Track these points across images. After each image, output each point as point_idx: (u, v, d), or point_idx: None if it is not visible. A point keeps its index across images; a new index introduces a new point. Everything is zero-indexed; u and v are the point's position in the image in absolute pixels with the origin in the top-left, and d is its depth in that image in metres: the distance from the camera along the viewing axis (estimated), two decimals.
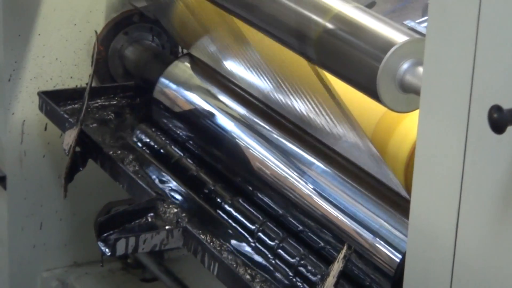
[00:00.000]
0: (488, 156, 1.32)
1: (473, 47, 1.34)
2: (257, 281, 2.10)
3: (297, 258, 2.17)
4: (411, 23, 2.03)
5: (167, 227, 2.32)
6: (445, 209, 1.46)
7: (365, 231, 2.03)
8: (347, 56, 1.88)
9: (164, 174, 2.57)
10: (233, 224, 2.36)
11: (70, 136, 2.71)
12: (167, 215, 2.38)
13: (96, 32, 2.86)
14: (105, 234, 2.32)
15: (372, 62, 1.76)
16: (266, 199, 2.37)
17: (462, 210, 1.42)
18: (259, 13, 2.17)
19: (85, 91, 2.71)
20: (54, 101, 2.82)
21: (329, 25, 1.92)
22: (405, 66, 1.71)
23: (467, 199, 1.40)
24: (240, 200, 2.41)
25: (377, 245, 1.97)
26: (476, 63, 1.33)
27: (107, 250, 2.28)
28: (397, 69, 1.71)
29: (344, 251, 1.89)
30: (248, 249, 2.25)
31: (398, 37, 1.75)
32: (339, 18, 1.93)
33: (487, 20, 1.37)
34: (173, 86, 2.72)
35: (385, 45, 1.75)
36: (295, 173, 2.27)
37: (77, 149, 2.69)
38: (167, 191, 2.50)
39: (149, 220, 2.36)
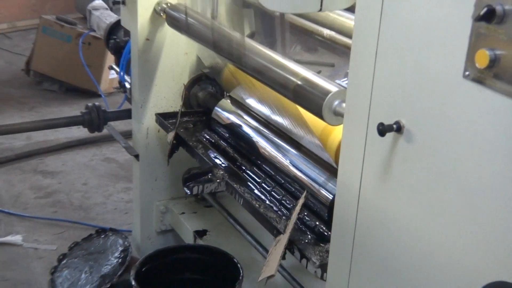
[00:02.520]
0: (377, 146, 1.56)
1: (369, 98, 1.59)
2: (262, 207, 2.40)
3: (281, 196, 2.48)
4: (338, 81, 2.17)
5: (217, 180, 2.62)
6: (354, 173, 1.69)
7: (315, 183, 2.32)
8: (308, 98, 2.10)
9: (216, 154, 2.82)
10: (250, 179, 2.65)
11: (171, 135, 2.94)
12: (218, 174, 2.64)
13: (184, 84, 3.12)
14: (187, 183, 2.65)
15: (320, 101, 1.99)
16: (266, 168, 2.65)
17: (363, 174, 1.67)
18: (264, 76, 2.36)
19: (178, 113, 3.02)
20: (163, 117, 3.08)
21: (299, 82, 2.12)
22: (336, 102, 1.95)
23: (366, 168, 1.65)
24: (254, 168, 2.69)
25: (322, 190, 2.26)
26: (371, 103, 1.59)
27: (188, 191, 2.64)
28: (332, 104, 1.96)
29: (304, 194, 2.28)
30: (257, 192, 2.54)
31: (333, 88, 1.99)
32: (303, 78, 2.11)
33: (379, 78, 1.62)
34: (221, 111, 2.93)
35: (326, 92, 1.98)
36: (280, 154, 2.56)
37: (174, 141, 2.93)
38: (218, 163, 2.75)
39: (209, 177, 2.64)
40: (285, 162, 2.52)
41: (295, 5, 1.78)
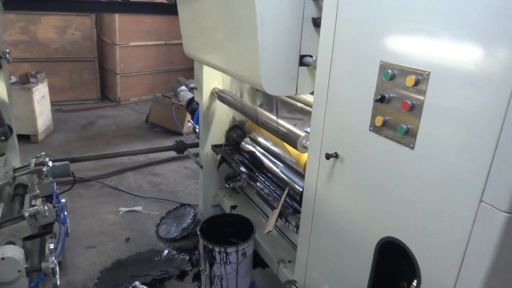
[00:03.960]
0: (325, 164, 1.51)
1: (321, 139, 1.72)
2: (265, 194, 2.34)
3: (275, 189, 2.39)
4: (305, 129, 1.98)
5: (242, 180, 2.59)
6: (313, 178, 1.66)
7: (293, 182, 2.22)
8: (289, 138, 1.99)
9: (241, 167, 2.70)
10: (259, 180, 2.54)
11: (218, 156, 2.88)
12: (242, 177, 2.59)
13: (225, 130, 3.01)
14: (226, 181, 2.65)
15: (295, 140, 1.91)
16: (268, 174, 2.54)
17: (318, 178, 1.62)
18: (267, 127, 2.25)
19: (223, 145, 2.96)
20: (215, 147, 2.99)
21: (285, 130, 2.03)
22: (304, 141, 1.87)
23: (319, 176, 1.61)
24: (261, 174, 2.58)
25: (296, 186, 2.16)
26: (322, 141, 1.55)
27: (227, 185, 2.64)
28: (302, 141, 1.88)
29: (287, 188, 2.23)
30: (262, 186, 2.45)
31: (302, 133, 1.91)
32: (287, 128, 2.02)
33: (326, 129, 1.61)
34: (245, 144, 2.83)
35: (298, 135, 1.91)
36: (275, 167, 2.45)
37: (220, 159, 2.88)
38: (242, 171, 2.64)
39: (238, 178, 2.61)
40: (277, 170, 2.47)
41: (282, 91, 1.70)
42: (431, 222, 1.12)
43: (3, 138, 2.39)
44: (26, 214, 1.71)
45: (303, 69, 1.68)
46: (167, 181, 4.36)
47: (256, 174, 2.66)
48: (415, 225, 1.17)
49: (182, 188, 4.22)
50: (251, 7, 1.50)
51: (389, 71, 1.19)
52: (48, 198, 2.11)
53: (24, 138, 5.18)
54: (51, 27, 6.47)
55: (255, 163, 2.75)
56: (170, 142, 4.87)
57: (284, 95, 2.15)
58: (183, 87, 4.10)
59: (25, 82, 5.11)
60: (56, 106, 6.65)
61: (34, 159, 2.33)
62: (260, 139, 2.79)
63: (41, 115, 5.33)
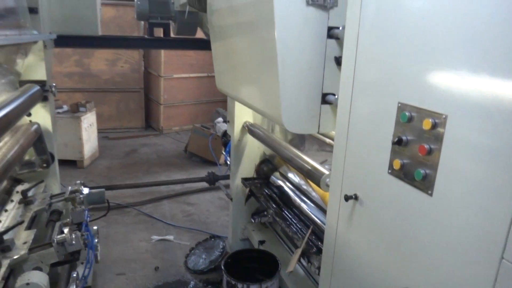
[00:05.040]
0: (345, 205, 1.39)
1: (341, 180, 1.63)
2: (290, 232, 2.29)
3: (300, 226, 2.34)
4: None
5: (269, 216, 2.57)
6: (334, 218, 1.59)
7: (318, 220, 2.20)
8: (314, 176, 1.90)
9: (269, 201, 2.67)
10: (286, 215, 2.50)
11: (247, 190, 2.88)
12: (269, 212, 2.56)
13: (255, 164, 3.02)
14: (253, 216, 2.68)
15: (319, 178, 1.86)
16: (294, 210, 2.51)
17: (339, 219, 1.62)
18: (293, 163, 2.13)
19: (252, 178, 2.95)
20: (245, 180, 2.99)
21: (309, 167, 1.96)
22: (327, 179, 1.81)
23: (340, 216, 1.57)
24: (288, 210, 2.55)
25: (321, 224, 2.11)
26: (343, 183, 1.51)
27: (253, 220, 2.68)
28: (325, 180, 1.83)
29: (311, 227, 2.22)
30: (288, 222, 2.40)
31: (326, 172, 1.85)
32: (312, 166, 1.95)
33: (346, 171, 1.64)
34: (274, 178, 2.84)
35: (322, 174, 1.87)
36: (302, 203, 2.44)
37: (249, 193, 2.87)
38: (270, 206, 2.61)
39: (265, 213, 2.62)
40: (304, 207, 2.45)
41: (304, 129, 1.68)
42: (450, 277, 1.04)
43: (45, 165, 2.54)
44: (54, 241, 1.77)
45: (326, 107, 1.67)
46: (200, 211, 4.41)
47: (284, 210, 2.62)
48: (434, 278, 1.09)
49: (214, 219, 4.24)
50: (272, 46, 1.53)
51: (407, 113, 1.15)
52: (78, 226, 2.20)
53: (70, 164, 5.51)
54: (102, 60, 6.94)
55: (283, 199, 2.71)
56: (206, 172, 4.93)
57: (306, 133, 2.13)
58: (220, 119, 4.18)
59: (75, 111, 5.48)
60: (103, 133, 7.03)
61: (70, 187, 2.46)
62: (290, 174, 2.75)
63: (88, 142, 5.65)
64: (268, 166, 3.04)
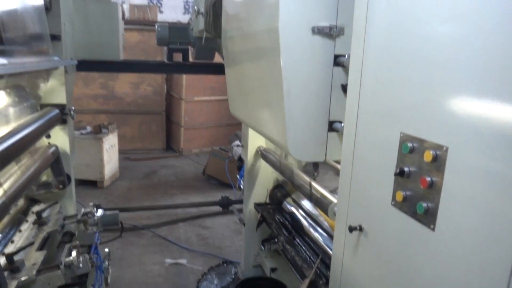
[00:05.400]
0: (350, 236, 1.37)
1: (346, 211, 1.50)
2: (299, 260, 2.27)
3: (310, 254, 2.29)
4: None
5: (279, 243, 2.52)
6: (339, 248, 1.60)
7: (327, 247, 1.91)
8: (322, 203, 1.90)
9: (281, 228, 2.64)
10: (296, 243, 2.46)
11: (259, 215, 2.87)
12: (280, 239, 2.52)
13: (268, 189, 3.02)
14: (263, 243, 2.70)
15: (327, 206, 1.85)
16: (305, 237, 2.46)
17: (345, 249, 1.55)
18: (302, 190, 2.10)
19: (264, 204, 2.94)
20: (257, 205, 2.98)
21: (318, 195, 1.96)
22: (335, 208, 1.69)
23: (346, 246, 1.57)
24: (299, 237, 2.50)
25: (330, 251, 1.96)
26: (348, 214, 1.50)
27: (262, 247, 2.69)
28: (333, 208, 1.80)
29: (320, 256, 2.20)
30: (298, 250, 2.37)
31: (334, 200, 1.82)
32: (321, 193, 1.95)
33: (351, 204, 1.65)
34: (287, 204, 2.82)
35: (330, 202, 1.85)
36: (313, 230, 2.40)
37: (260, 219, 2.85)
38: (281, 233, 2.59)
39: (275, 240, 2.57)
40: (315, 235, 2.41)
41: (310, 157, 1.67)
42: None
43: (61, 186, 2.60)
44: (61, 263, 1.79)
45: (333, 134, 1.66)
46: (215, 235, 4.40)
47: (295, 237, 2.57)
48: None
49: (228, 244, 4.21)
50: (278, 74, 1.55)
51: (409, 144, 1.13)
52: (88, 248, 2.22)
53: (91, 184, 5.64)
54: (127, 83, 7.17)
55: (295, 226, 2.67)
56: (221, 194, 4.93)
57: (312, 161, 2.11)
58: (237, 142, 4.23)
59: (98, 132, 5.65)
60: (125, 154, 7.18)
61: (83, 209, 2.50)
62: (303, 201, 2.72)
63: (109, 163, 5.78)
64: (281, 191, 3.02)
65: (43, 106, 2.50)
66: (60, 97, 2.51)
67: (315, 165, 2.86)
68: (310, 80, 1.56)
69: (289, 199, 2.88)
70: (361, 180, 1.42)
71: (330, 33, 1.52)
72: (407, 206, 1.15)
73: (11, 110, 2.15)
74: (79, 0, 3.15)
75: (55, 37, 2.33)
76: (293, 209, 2.77)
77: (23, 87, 2.31)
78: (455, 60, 0.98)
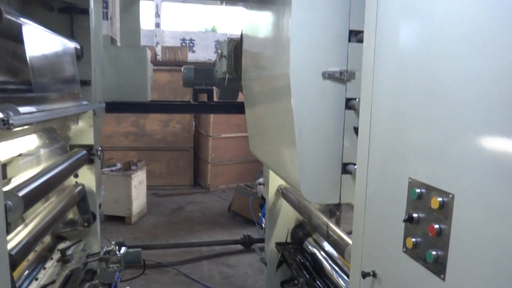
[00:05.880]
0: (363, 281, 1.44)
1: (360, 256, 1.52)
2: None
3: None
4: None
5: (299, 285, 2.44)
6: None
7: None
8: (338, 245, 1.90)
9: (301, 269, 2.59)
10: (318, 286, 2.40)
11: (279, 255, 2.84)
12: (300, 281, 2.45)
13: (288, 228, 2.99)
14: (283, 284, 2.63)
15: (344, 249, 1.83)
16: (325, 279, 2.42)
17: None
18: (319, 231, 2.13)
19: (285, 243, 2.89)
20: (278, 244, 2.97)
21: (336, 237, 1.96)
22: (349, 248, 1.79)
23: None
24: (319, 279, 2.44)
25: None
26: (362, 259, 1.45)
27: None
28: (349, 251, 1.76)
29: None
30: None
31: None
32: (338, 235, 1.96)
33: (365, 247, 1.58)
34: (308, 244, 2.79)
35: (347, 244, 1.85)
36: (334, 272, 2.36)
37: (281, 258, 2.82)
38: (301, 274, 2.52)
39: (295, 282, 2.54)
40: (336, 278, 2.36)
41: (323, 199, 1.66)
42: None
43: (86, 224, 2.69)
44: None
45: (347, 177, 1.65)
46: (238, 274, 4.33)
47: (316, 279, 2.52)
48: None
49: (251, 283, 4.14)
50: (290, 117, 1.58)
51: (417, 190, 1.11)
52: (109, 286, 2.26)
53: (119, 220, 5.76)
54: (156, 121, 7.44)
55: (315, 267, 2.63)
56: (249, 232, 4.90)
57: (326, 203, 2.09)
58: (261, 179, 4.22)
59: (127, 169, 5.83)
60: (153, 190, 7.32)
61: (105, 247, 2.56)
62: (324, 241, 2.69)
63: (137, 199, 5.91)
64: (302, 231, 2.99)
65: (72, 146, 2.65)
66: (88, 138, 2.65)
67: (337, 204, 2.83)
68: (322, 123, 1.59)
69: (310, 239, 2.84)
70: (373, 224, 1.39)
71: (341, 77, 1.55)
72: (418, 253, 1.12)
73: (42, 152, 2.29)
74: (111, 46, 3.36)
75: (85, 82, 2.49)
76: (315, 250, 2.72)
77: (54, 129, 2.47)
78: (461, 106, 0.97)
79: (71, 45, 2.32)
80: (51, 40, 1.99)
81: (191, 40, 13.30)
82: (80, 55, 2.45)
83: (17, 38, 1.62)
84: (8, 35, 1.58)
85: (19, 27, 1.60)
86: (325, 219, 2.17)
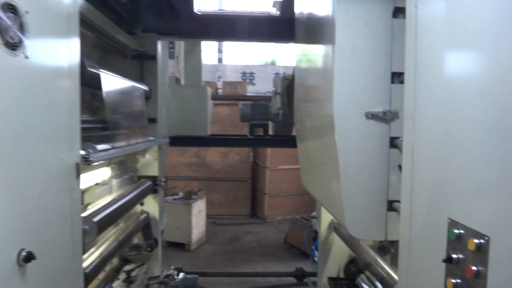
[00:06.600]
0: None
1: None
2: None
3: None
4: None
5: None
6: None
7: None
8: (387, 285, 1.89)
9: None
10: None
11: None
12: None
13: (343, 264, 2.95)
14: None
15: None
16: None
17: None
18: (371, 270, 2.19)
19: (337, 278, 2.95)
20: (331, 279, 2.92)
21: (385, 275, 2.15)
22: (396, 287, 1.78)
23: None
24: None
25: None
26: None
27: None
28: None
29: None
30: None
31: None
32: (387, 273, 1.79)
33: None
34: (360, 281, 2.70)
35: (395, 282, 1.57)
36: None
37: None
38: None
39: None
40: None
41: (369, 235, 1.68)
42: None
43: (149, 249, 2.90)
44: None
45: (393, 214, 1.66)
46: None
47: None
48: None
49: None
50: (334, 155, 1.65)
51: (455, 231, 1.12)
52: None
53: (179, 246, 6.01)
54: (217, 152, 7.77)
55: None
56: (304, 265, 4.85)
57: (371, 239, 2.08)
58: (315, 213, 4.22)
59: (188, 198, 6.13)
60: (212, 219, 7.55)
61: (165, 272, 2.74)
62: (377, 282, 2.64)
63: (196, 227, 6.15)
64: (355, 266, 2.95)
65: (139, 177, 2.91)
66: (154, 170, 2.91)
67: (391, 241, 2.78)
68: (366, 161, 1.63)
69: (363, 276, 2.79)
70: (417, 263, 1.38)
71: (384, 117, 1.60)
72: None
73: (114, 182, 2.55)
74: (175, 86, 3.69)
75: (152, 120, 2.76)
76: (367, 287, 2.66)
77: (124, 162, 2.74)
78: (499, 150, 0.98)
79: (141, 87, 2.61)
80: (123, 85, 2.28)
81: (251, 73, 13.79)
82: (148, 96, 2.74)
83: (97, 85, 1.91)
84: (90, 84, 1.86)
85: (98, 76, 1.89)
86: (375, 256, 2.15)
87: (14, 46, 1.04)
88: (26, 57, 1.12)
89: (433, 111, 1.29)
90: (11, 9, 1.03)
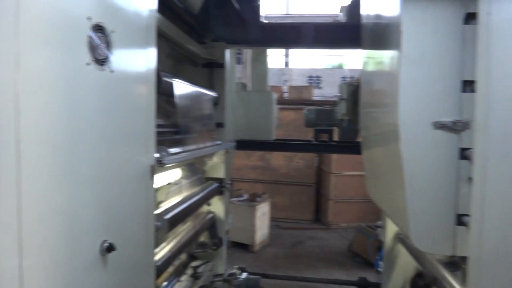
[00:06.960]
0: None
1: None
2: None
3: None
4: None
5: None
6: None
7: None
8: None
9: None
10: None
11: None
12: None
13: (409, 278, 2.81)
14: None
15: None
16: None
17: None
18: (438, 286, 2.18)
19: None
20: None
21: None
22: None
23: None
24: None
25: None
26: None
27: None
28: None
29: None
30: None
31: None
32: None
33: None
34: None
35: None
36: None
37: None
38: None
39: None
40: None
41: (435, 249, 1.61)
42: None
43: (214, 247, 3.04)
44: None
45: (462, 228, 1.58)
46: None
47: None
48: None
49: None
50: (400, 165, 1.60)
51: None
52: None
53: (243, 247, 6.16)
54: (281, 156, 7.84)
55: None
56: (367, 274, 4.72)
57: (438, 253, 1.97)
58: (380, 222, 4.09)
59: (252, 200, 6.27)
60: (276, 222, 7.62)
61: (229, 270, 2.85)
62: None
63: (260, 229, 6.27)
64: (423, 281, 2.79)
65: (207, 179, 3.06)
66: (220, 172, 3.04)
67: (462, 256, 2.62)
68: (432, 172, 1.57)
69: None
70: (489, 283, 1.33)
71: (454, 127, 1.53)
72: None
73: (184, 182, 2.72)
74: (242, 92, 3.81)
75: (220, 125, 2.89)
76: None
77: (193, 164, 2.91)
78: None
79: (210, 94, 2.76)
80: (194, 91, 2.43)
81: (317, 77, 13.70)
82: (216, 102, 2.88)
83: (170, 92, 2.06)
84: (164, 92, 2.02)
85: (171, 84, 2.04)
86: (443, 272, 2.05)
87: (102, 62, 1.16)
88: (112, 71, 1.26)
89: (509, 121, 1.24)
90: (100, 29, 1.16)
